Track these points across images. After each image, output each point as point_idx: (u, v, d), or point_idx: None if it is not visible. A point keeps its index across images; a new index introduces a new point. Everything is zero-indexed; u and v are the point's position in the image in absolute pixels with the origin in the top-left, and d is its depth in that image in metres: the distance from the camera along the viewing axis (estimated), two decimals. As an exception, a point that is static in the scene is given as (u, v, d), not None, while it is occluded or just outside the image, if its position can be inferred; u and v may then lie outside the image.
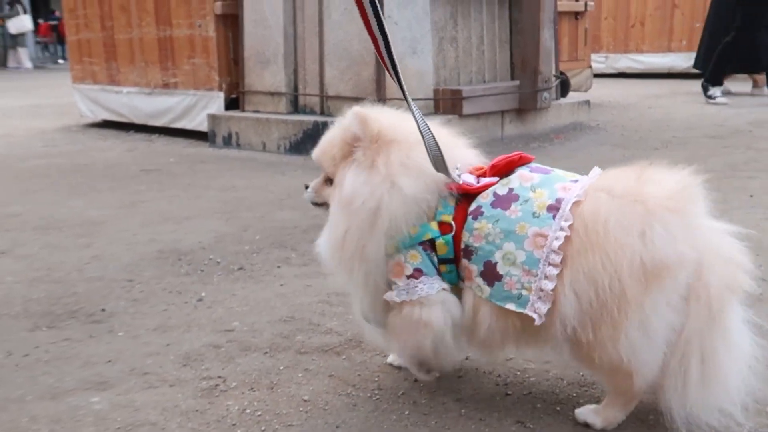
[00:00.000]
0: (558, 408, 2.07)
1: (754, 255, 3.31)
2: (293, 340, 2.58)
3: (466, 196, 1.97)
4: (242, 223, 4.12)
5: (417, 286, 1.96)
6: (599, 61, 13.40)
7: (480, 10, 6.89)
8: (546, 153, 6.17)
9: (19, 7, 23.63)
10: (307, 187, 2.19)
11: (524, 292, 1.85)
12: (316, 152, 2.14)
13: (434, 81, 6.47)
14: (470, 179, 1.98)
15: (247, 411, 2.09)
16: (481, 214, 1.92)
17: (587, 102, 7.86)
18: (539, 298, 1.83)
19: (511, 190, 1.93)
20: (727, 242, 1.87)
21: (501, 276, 1.88)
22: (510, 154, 2.02)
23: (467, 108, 6.34)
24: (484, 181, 1.98)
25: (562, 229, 1.81)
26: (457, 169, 1.99)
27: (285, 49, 6.57)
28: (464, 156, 2.08)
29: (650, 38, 13.68)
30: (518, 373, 2.28)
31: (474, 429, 1.98)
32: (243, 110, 7.04)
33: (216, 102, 7.16)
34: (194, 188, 5.18)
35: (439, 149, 1.90)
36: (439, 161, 1.91)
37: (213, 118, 7.04)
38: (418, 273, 1.96)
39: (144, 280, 3.25)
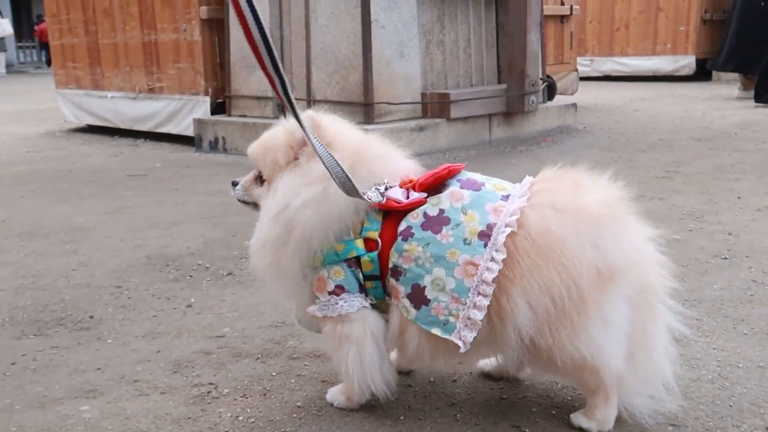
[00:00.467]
0: (554, 412, 2.06)
1: (744, 257, 3.33)
2: (285, 345, 2.55)
3: (394, 212, 1.93)
4: (230, 228, 4.09)
5: (337, 303, 1.94)
6: (584, 65, 13.46)
7: (467, 14, 6.89)
8: (533, 156, 6.18)
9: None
10: (235, 184, 2.13)
11: (451, 319, 1.85)
12: (256, 150, 2.08)
13: (421, 84, 6.46)
14: (398, 194, 1.94)
15: (240, 418, 2.06)
16: (411, 235, 1.88)
17: (574, 105, 7.88)
18: (466, 326, 1.84)
19: (441, 211, 1.89)
20: (651, 245, 1.96)
21: (429, 300, 1.86)
22: (437, 169, 1.97)
23: (455, 112, 6.34)
24: (413, 196, 1.93)
25: (493, 260, 1.81)
26: (385, 183, 1.96)
27: (271, 53, 6.54)
28: (401, 167, 2.04)
29: (635, 41, 13.75)
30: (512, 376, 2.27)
31: (470, 434, 1.96)
32: (229, 115, 7.01)
33: (202, 106, 7.12)
34: (181, 193, 5.14)
35: (349, 178, 1.82)
36: (351, 190, 1.84)
37: (199, 123, 7.01)
38: (339, 290, 1.93)
39: (132, 286, 3.21)
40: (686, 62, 13.32)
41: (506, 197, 1.90)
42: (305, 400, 2.15)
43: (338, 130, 2.01)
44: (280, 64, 1.74)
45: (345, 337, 1.96)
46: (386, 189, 1.94)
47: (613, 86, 12.84)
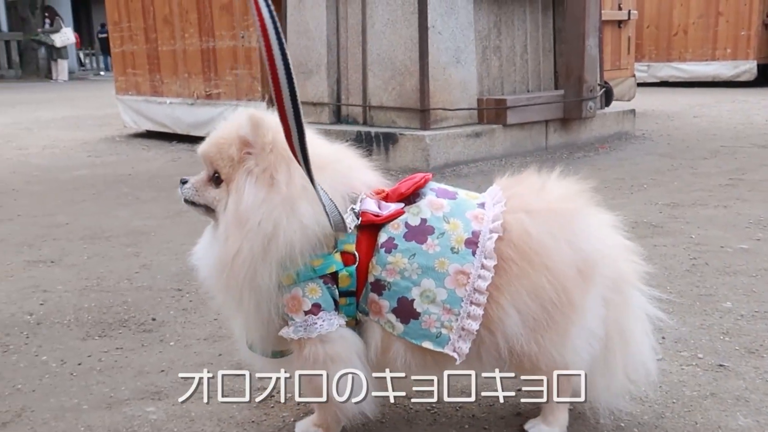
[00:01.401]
0: (622, 424, 2.02)
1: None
2: (346, 351, 2.54)
3: (369, 224, 1.82)
4: (288, 233, 4.10)
5: (316, 323, 1.79)
6: (641, 70, 13.24)
7: (523, 19, 6.84)
8: (591, 163, 6.09)
9: (59, 20, 24.03)
10: (183, 182, 1.93)
11: (444, 331, 1.78)
12: (209, 148, 1.88)
13: (478, 91, 6.42)
14: (372, 205, 1.84)
15: (303, 423, 2.06)
16: (395, 247, 1.79)
17: (632, 111, 7.73)
18: (460, 337, 1.79)
19: (424, 221, 1.82)
20: (617, 233, 1.95)
21: (419, 314, 1.78)
22: (412, 178, 1.89)
23: (511, 118, 6.29)
24: (390, 207, 1.84)
25: (484, 267, 1.77)
26: (359, 197, 1.85)
27: (328, 60, 6.58)
28: (367, 179, 1.91)
29: (693, 46, 13.50)
30: (577, 388, 2.22)
31: (536, 444, 1.93)
32: (285, 120, 7.04)
33: (258, 112, 7.17)
34: (238, 198, 5.17)
35: (339, 211, 1.74)
36: (339, 224, 1.75)
37: (255, 129, 7.05)
38: (316, 309, 1.79)
39: (193, 289, 3.24)
40: (747, 67, 13.04)
41: (482, 205, 1.88)
42: (368, 407, 2.14)
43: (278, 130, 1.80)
44: (301, 111, 1.62)
45: (331, 360, 1.81)
46: (361, 200, 1.85)
47: (671, 92, 12.62)
